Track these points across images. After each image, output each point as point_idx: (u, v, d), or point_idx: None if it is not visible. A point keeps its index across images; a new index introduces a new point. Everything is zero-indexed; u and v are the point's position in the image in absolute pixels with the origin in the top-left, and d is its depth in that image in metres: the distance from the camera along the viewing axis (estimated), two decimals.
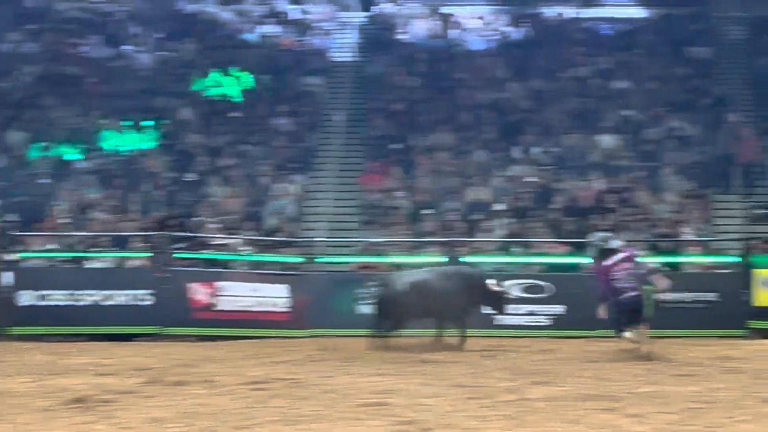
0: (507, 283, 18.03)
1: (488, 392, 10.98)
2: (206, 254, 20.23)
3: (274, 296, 19.25)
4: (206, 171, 24.67)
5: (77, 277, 18.91)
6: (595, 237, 15.43)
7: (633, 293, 14.55)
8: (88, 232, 20.95)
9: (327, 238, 23.37)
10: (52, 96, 27.41)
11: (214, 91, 27.44)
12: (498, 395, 10.74)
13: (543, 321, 19.03)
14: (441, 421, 9.15)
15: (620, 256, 14.81)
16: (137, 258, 19.94)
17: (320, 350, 16.18)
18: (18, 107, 27.14)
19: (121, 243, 20.79)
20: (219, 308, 18.84)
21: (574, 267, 20.16)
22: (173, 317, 18.51)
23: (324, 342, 17.75)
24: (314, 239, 21.40)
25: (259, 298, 19.17)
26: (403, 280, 16.76)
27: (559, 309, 19.04)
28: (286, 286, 19.42)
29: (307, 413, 9.60)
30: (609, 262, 14.66)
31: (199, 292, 18.74)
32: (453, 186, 23.92)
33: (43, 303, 18.47)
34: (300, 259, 20.53)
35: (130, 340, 17.94)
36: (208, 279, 19.00)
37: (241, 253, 20.14)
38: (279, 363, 14.23)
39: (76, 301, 18.47)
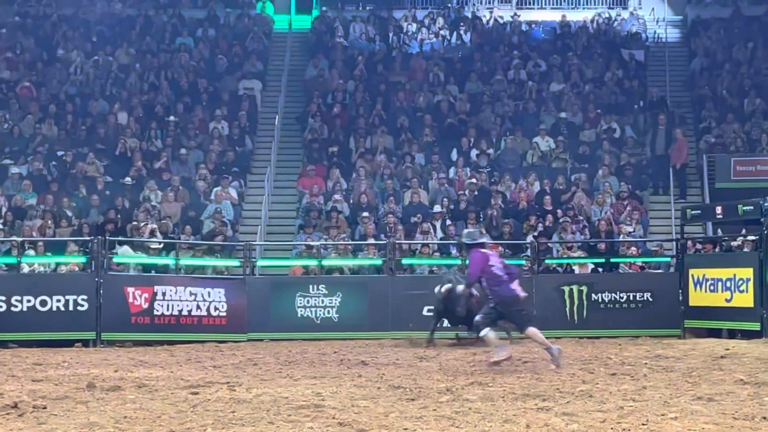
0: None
1: (425, 393, 11.03)
2: (144, 258, 20.10)
3: (213, 300, 19.20)
4: (144, 175, 24.50)
5: (13, 282, 18.68)
6: (463, 233, 15.25)
7: (514, 287, 14.02)
8: (23, 237, 20.71)
9: (265, 241, 23.33)
10: None
11: None
12: (435, 396, 10.79)
13: None
14: (377, 422, 9.18)
15: (494, 253, 14.72)
16: (73, 263, 19.76)
17: (257, 354, 16.16)
18: None
19: (57, 248, 20.59)
20: (157, 312, 18.73)
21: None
22: (110, 322, 18.36)
23: (261, 346, 17.78)
24: (252, 243, 21.33)
25: (197, 303, 19.10)
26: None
27: None
28: (224, 290, 19.37)
29: (243, 416, 9.59)
30: (486, 253, 14.22)
31: (136, 297, 18.62)
32: (391, 188, 23.96)
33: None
34: (237, 263, 20.48)
35: (68, 346, 17.75)
36: (145, 284, 18.89)
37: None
38: (216, 367, 14.19)
39: (11, 306, 18.23)
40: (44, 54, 29.07)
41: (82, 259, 19.69)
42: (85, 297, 18.43)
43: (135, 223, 21.96)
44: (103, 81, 28.16)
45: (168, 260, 20.25)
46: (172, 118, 26.55)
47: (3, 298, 18.22)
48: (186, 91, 27.81)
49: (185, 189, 24.06)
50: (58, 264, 20.03)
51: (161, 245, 20.68)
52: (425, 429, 8.92)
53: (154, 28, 30.21)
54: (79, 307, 18.41)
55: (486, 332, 13.69)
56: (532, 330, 13.78)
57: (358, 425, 9.01)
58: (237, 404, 10.36)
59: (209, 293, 19.25)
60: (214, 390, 11.42)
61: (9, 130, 26.10)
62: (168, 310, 18.91)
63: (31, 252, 20.06)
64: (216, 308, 19.24)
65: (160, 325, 18.75)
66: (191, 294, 19.12)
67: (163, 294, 18.89)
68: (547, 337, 13.93)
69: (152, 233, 21.31)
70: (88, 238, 20.07)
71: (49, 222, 22.01)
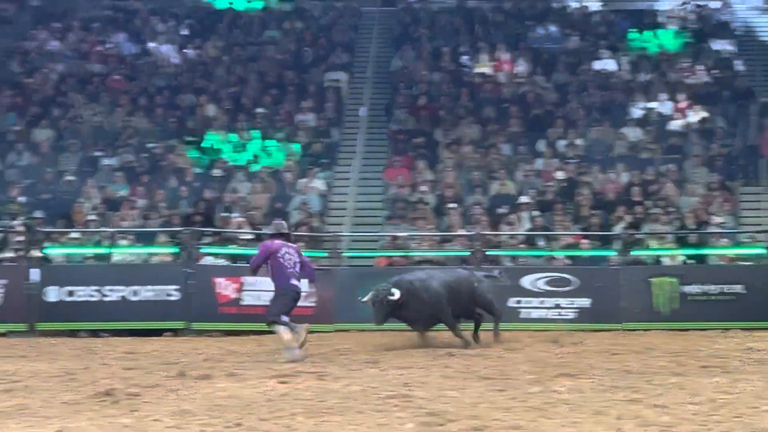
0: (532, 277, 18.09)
1: (513, 385, 10.99)
2: (232, 249, 20.30)
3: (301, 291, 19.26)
4: (233, 167, 24.74)
5: (104, 273, 19.01)
6: (273, 223, 15.68)
7: (296, 282, 14.44)
8: (115, 228, 21.05)
9: (351, 233, 23.39)
10: (77, 94, 27.57)
11: None
12: (523, 387, 10.75)
13: (568, 314, 19.02)
14: (466, 412, 9.17)
15: (290, 245, 14.81)
16: (164, 254, 20.05)
17: (345, 344, 16.22)
18: (44, 105, 27.32)
19: (147, 239, 20.91)
20: (245, 303, 18.90)
21: (599, 260, 20.18)
22: (199, 312, 18.58)
23: (348, 336, 17.84)
24: (339, 234, 21.43)
25: None
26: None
27: (584, 302, 19.03)
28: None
29: (332, 405, 9.64)
30: (278, 243, 14.52)
31: (225, 288, 18.81)
32: (477, 180, 23.88)
33: (71, 299, 18.57)
34: (325, 254, 20.57)
35: (157, 336, 18.00)
36: (233, 274, 19.07)
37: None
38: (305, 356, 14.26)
39: (104, 296, 18.55)
40: (134, 47, 29.52)
41: (173, 250, 19.97)
42: (175, 287, 18.68)
43: (223, 214, 22.19)
44: (192, 74, 28.49)
45: (255, 251, 20.37)
46: (259, 110, 26.75)
47: (95, 288, 18.54)
48: (273, 83, 28.01)
49: (272, 180, 24.23)
50: (149, 255, 20.35)
51: (248, 236, 20.87)
52: (515, 420, 8.88)
53: (242, 21, 30.48)
54: (169, 297, 18.66)
55: (279, 328, 14.10)
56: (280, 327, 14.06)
57: (447, 415, 9.01)
58: (325, 393, 10.42)
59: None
60: (303, 379, 11.50)
61: (100, 122, 26.54)
62: (255, 300, 19.05)
63: (123, 242, 20.39)
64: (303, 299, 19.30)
65: (248, 315, 18.89)
66: None
67: (251, 284, 19.04)
68: (634, 330, 13.74)
69: (240, 225, 21.50)
70: (178, 229, 20.32)
71: (141, 213, 22.35)
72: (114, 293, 18.64)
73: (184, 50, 29.26)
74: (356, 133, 27.06)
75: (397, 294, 15.35)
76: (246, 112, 26.69)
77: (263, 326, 18.40)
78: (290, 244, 14.90)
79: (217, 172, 24.42)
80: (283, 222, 15.81)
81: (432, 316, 15.68)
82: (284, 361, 13.61)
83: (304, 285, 14.68)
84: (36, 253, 18.76)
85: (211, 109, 26.87)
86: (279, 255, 14.30)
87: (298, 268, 14.54)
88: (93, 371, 12.38)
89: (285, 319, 14.24)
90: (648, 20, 29.78)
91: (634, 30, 29.32)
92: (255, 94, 27.56)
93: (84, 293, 18.52)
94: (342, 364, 13.35)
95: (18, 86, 28.13)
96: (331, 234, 21.63)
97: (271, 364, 13.26)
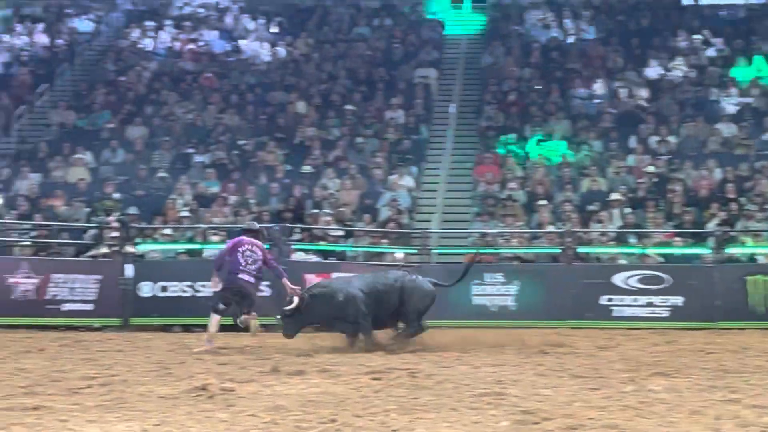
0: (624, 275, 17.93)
1: (608, 383, 10.89)
2: (322, 246, 20.40)
3: None
4: (321, 163, 24.87)
5: (197, 268, 19.20)
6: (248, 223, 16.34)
7: (245, 277, 14.91)
8: (206, 224, 21.28)
9: (440, 229, 23.36)
10: (170, 92, 27.94)
11: None
12: (618, 386, 10.64)
13: (661, 312, 18.80)
14: (560, 411, 9.10)
15: (255, 242, 15.20)
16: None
17: (436, 341, 16.18)
18: (138, 103, 27.74)
19: (238, 235, 21.05)
20: None
21: (692, 258, 19.91)
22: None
23: (439, 333, 17.80)
24: (428, 231, 21.42)
25: None
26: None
27: (677, 300, 18.80)
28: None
29: (425, 402, 9.64)
30: (243, 240, 15.11)
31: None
32: (568, 176, 23.69)
33: (164, 294, 18.80)
34: (414, 251, 20.58)
35: (249, 331, 18.11)
36: (324, 270, 19.14)
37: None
38: (396, 353, 14.27)
39: (196, 292, 18.76)
40: (226, 45, 29.84)
41: (265, 246, 20.06)
42: (266, 283, 18.76)
43: (313, 211, 22.31)
44: (282, 71, 28.71)
45: (346, 247, 20.52)
46: (349, 107, 26.86)
47: (188, 283, 18.75)
48: (363, 80, 28.11)
49: (362, 177, 24.31)
50: None
51: (339, 233, 20.96)
52: (610, 419, 8.79)
53: (332, 18, 30.63)
54: (260, 293, 18.75)
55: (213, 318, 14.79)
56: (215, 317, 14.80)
57: (542, 414, 8.95)
58: (419, 390, 10.42)
59: None
60: (396, 376, 11.50)
61: (192, 120, 26.86)
62: None
63: (214, 239, 20.59)
64: None
65: None
66: None
67: None
68: (728, 328, 13.47)
69: (329, 221, 21.60)
70: (269, 225, 20.43)
71: (232, 209, 22.56)
72: (206, 289, 18.76)
73: (275, 48, 29.49)
74: (445, 130, 27.02)
75: (294, 302, 14.97)
76: (335, 109, 26.81)
77: None
78: (256, 242, 15.35)
79: (306, 168, 24.56)
80: (254, 222, 16.48)
81: (344, 320, 15.14)
82: (199, 349, 14.38)
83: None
84: (130, 249, 19.01)
85: (301, 107, 27.05)
86: (240, 250, 15.00)
87: (256, 266, 15.09)
88: (188, 366, 12.53)
89: (222, 307, 14.99)
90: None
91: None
92: (345, 91, 27.67)
93: (177, 288, 18.74)
94: (433, 361, 13.33)
95: (112, 84, 28.62)
96: (420, 231, 21.60)
97: (363, 360, 13.28)
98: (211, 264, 19.20)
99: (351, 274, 16.43)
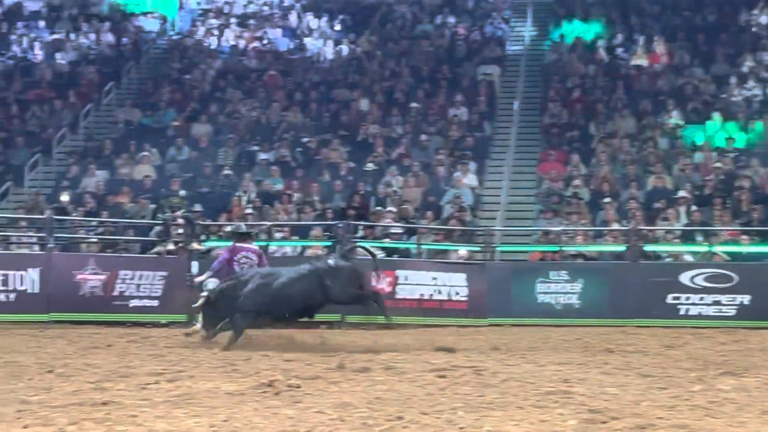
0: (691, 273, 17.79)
1: (676, 382, 10.78)
2: (386, 243, 20.41)
3: (454, 285, 19.31)
4: (385, 161, 24.89)
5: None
6: (235, 225, 16.87)
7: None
8: (270, 221, 21.37)
9: (504, 227, 23.28)
10: (235, 89, 28.12)
11: None
12: (686, 386, 10.53)
13: (729, 311, 18.59)
14: (628, 410, 9.02)
15: (250, 247, 15.56)
16: (318, 247, 20.27)
17: (500, 339, 16.15)
18: (203, 101, 27.95)
19: (302, 232, 21.20)
20: (399, 296, 18.98)
21: (761, 256, 19.66)
22: (355, 305, 18.67)
23: (502, 331, 17.77)
24: (491, 228, 21.38)
25: (438, 287, 19.26)
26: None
27: (744, 299, 18.58)
28: (465, 275, 19.45)
29: (491, 400, 9.59)
30: (238, 245, 15.52)
31: (379, 281, 18.89)
32: (633, 173, 23.49)
33: None
34: (478, 248, 20.55)
35: (314, 327, 18.17)
36: (388, 268, 19.16)
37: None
38: (460, 351, 14.25)
39: None
40: (290, 43, 29.97)
41: (327, 244, 20.17)
42: None
43: (377, 208, 22.34)
44: (346, 69, 28.78)
45: (410, 245, 20.53)
46: (412, 104, 26.86)
47: None
48: (426, 77, 28.09)
49: (425, 174, 24.29)
50: (304, 248, 20.62)
51: (402, 230, 20.98)
52: (680, 419, 8.69)
53: (395, 16, 30.64)
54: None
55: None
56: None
57: (610, 413, 8.87)
58: (484, 388, 10.37)
59: (450, 278, 19.38)
60: (461, 374, 11.46)
61: (257, 117, 27.01)
62: (410, 293, 19.15)
63: (278, 236, 20.69)
64: (457, 293, 19.35)
65: (403, 309, 18.98)
66: (432, 278, 19.29)
67: (405, 278, 19.13)
68: None
69: (392, 219, 21.61)
70: (333, 223, 20.52)
71: (296, 207, 22.68)
72: None
73: (338, 45, 29.57)
74: (509, 127, 26.93)
75: (201, 299, 14.97)
76: (399, 107, 26.82)
77: (418, 320, 18.64)
78: (251, 247, 15.74)
79: (370, 166, 24.60)
80: (242, 225, 16.81)
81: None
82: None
83: None
84: (195, 246, 19.14)
85: (364, 104, 27.10)
86: (235, 259, 15.44)
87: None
88: (254, 362, 12.58)
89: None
90: None
91: None
92: (408, 89, 27.68)
93: None
94: (498, 359, 13.28)
95: (177, 82, 28.86)
96: (483, 228, 21.55)
97: (428, 357, 13.27)
98: (277, 262, 19.47)
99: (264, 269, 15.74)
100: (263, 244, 20.13)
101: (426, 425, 8.35)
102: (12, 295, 17.93)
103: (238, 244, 15.55)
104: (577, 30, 29.49)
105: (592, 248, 20.67)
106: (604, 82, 27.19)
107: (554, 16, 30.34)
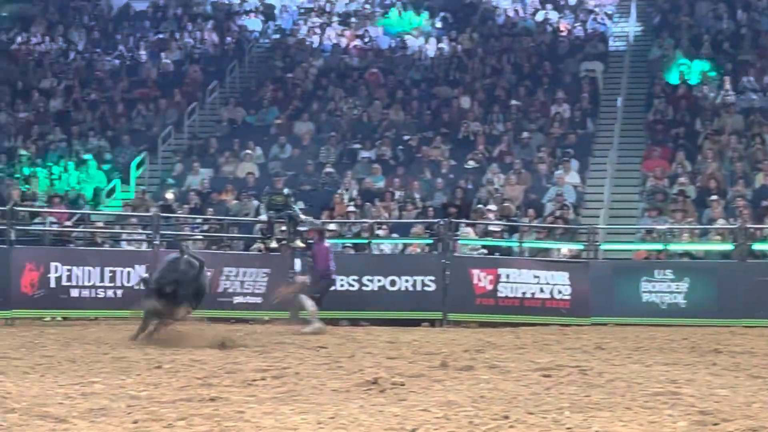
0: None
1: None
2: (488, 241, 20.34)
3: (556, 284, 19.15)
4: (486, 158, 24.79)
5: (363, 263, 19.37)
6: (308, 221, 18.06)
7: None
8: (372, 219, 21.44)
9: (607, 225, 23.02)
10: (336, 87, 28.26)
11: None
12: None
13: None
14: (740, 412, 8.84)
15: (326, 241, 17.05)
16: (420, 245, 20.29)
17: (603, 338, 15.97)
18: (305, 99, 28.13)
19: (403, 230, 21.23)
20: (502, 295, 18.89)
21: None
22: (456, 303, 18.68)
23: (605, 330, 17.58)
24: (595, 226, 21.16)
25: (540, 286, 19.12)
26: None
27: None
28: (568, 273, 19.27)
29: (598, 401, 9.48)
30: (325, 244, 16.92)
31: (481, 279, 18.85)
32: (741, 171, 23.05)
33: (331, 288, 18.91)
34: (581, 247, 20.35)
35: (415, 325, 18.20)
36: (489, 266, 19.08)
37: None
38: (564, 350, 14.13)
39: (362, 286, 18.90)
40: (391, 41, 30.02)
41: (428, 241, 20.18)
42: (432, 278, 18.85)
43: (478, 206, 22.27)
44: (447, 66, 28.74)
45: (512, 243, 20.43)
46: (513, 101, 26.72)
47: (355, 277, 18.90)
48: (527, 74, 27.92)
49: (527, 172, 24.14)
50: (405, 245, 20.66)
51: (504, 228, 20.89)
52: None
53: (497, 12, 30.52)
54: (426, 288, 18.85)
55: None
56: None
57: (720, 414, 8.70)
58: (590, 388, 10.26)
59: (553, 276, 19.23)
60: (566, 373, 11.36)
61: (358, 115, 27.11)
62: (512, 292, 19.04)
63: (380, 233, 20.75)
64: (560, 291, 19.19)
65: (504, 307, 18.90)
66: (535, 277, 19.16)
67: (507, 276, 19.03)
68: None
69: (493, 217, 21.53)
70: (434, 220, 20.50)
71: (397, 204, 22.73)
72: (372, 283, 18.96)
73: (439, 43, 29.54)
74: (612, 124, 26.64)
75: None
76: (500, 104, 26.70)
77: (520, 318, 18.53)
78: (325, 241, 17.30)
79: (470, 163, 24.53)
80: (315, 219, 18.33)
81: None
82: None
83: None
84: (298, 243, 19.25)
85: (465, 102, 27.02)
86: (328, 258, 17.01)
87: None
88: (358, 360, 12.62)
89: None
90: None
91: None
92: (509, 86, 27.54)
93: (344, 282, 18.87)
94: (603, 358, 13.14)
95: (280, 81, 29.08)
96: (586, 226, 21.34)
97: (532, 356, 13.18)
98: (379, 259, 19.58)
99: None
100: (364, 241, 20.31)
101: (533, 425, 8.28)
102: (119, 292, 18.22)
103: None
104: None
105: (698, 247, 20.33)
106: (707, 78, 26.73)
107: (659, 12, 29.90)
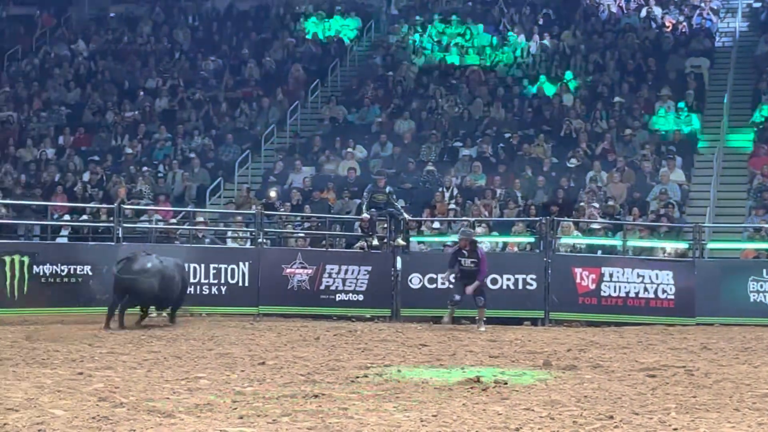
0: None
1: None
2: (591, 238, 20.15)
3: (660, 283, 18.87)
4: (589, 156, 24.55)
5: None
6: (465, 229, 18.00)
7: None
8: (473, 217, 21.37)
9: (714, 223, 22.62)
10: (437, 86, 28.23)
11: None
12: None
13: None
14: None
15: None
16: (521, 243, 20.17)
17: (710, 339, 15.72)
18: (405, 97, 28.17)
19: (504, 228, 21.13)
20: (604, 294, 18.68)
21: None
22: (559, 302, 18.53)
23: (711, 330, 17.29)
24: (700, 225, 20.79)
25: (644, 285, 18.86)
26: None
27: None
28: (672, 272, 18.97)
29: (705, 401, 9.35)
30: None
31: (584, 278, 18.66)
32: None
33: (432, 286, 18.95)
34: (686, 245, 20.03)
35: (516, 324, 18.10)
36: (592, 264, 18.89)
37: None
38: (669, 350, 13.94)
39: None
40: (493, 38, 29.91)
41: (531, 239, 20.05)
42: (533, 276, 18.71)
43: (580, 204, 22.07)
44: (549, 63, 28.53)
45: (615, 241, 20.19)
46: (617, 98, 26.41)
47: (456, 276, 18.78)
48: (631, 70, 27.59)
49: (631, 170, 23.85)
50: (505, 243, 20.56)
51: (606, 226, 20.66)
52: None
53: (600, 9, 30.22)
54: (528, 287, 18.72)
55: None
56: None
57: None
58: (697, 389, 10.12)
59: (657, 275, 18.94)
60: (671, 374, 11.22)
61: (459, 113, 27.05)
62: (615, 291, 18.81)
63: (480, 231, 20.65)
64: (664, 291, 18.90)
65: (607, 306, 18.67)
66: (639, 276, 18.89)
67: (611, 275, 18.81)
68: None
69: (591, 215, 21.31)
70: (536, 218, 20.35)
71: (499, 202, 22.64)
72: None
73: (542, 40, 29.35)
74: (719, 121, 26.17)
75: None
76: (603, 101, 26.42)
77: (624, 318, 18.30)
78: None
79: (573, 161, 24.33)
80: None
81: None
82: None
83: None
84: (400, 242, 19.28)
85: (567, 99, 26.79)
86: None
87: None
88: (459, 358, 12.61)
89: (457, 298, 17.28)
90: None
91: None
92: (612, 82, 27.24)
93: (445, 281, 18.79)
94: (710, 359, 12.93)
95: (381, 79, 29.15)
96: (692, 225, 20.99)
97: (637, 356, 13.03)
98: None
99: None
100: None
101: (638, 425, 8.19)
102: (224, 288, 18.45)
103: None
104: None
105: None
106: None
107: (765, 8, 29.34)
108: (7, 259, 16.77)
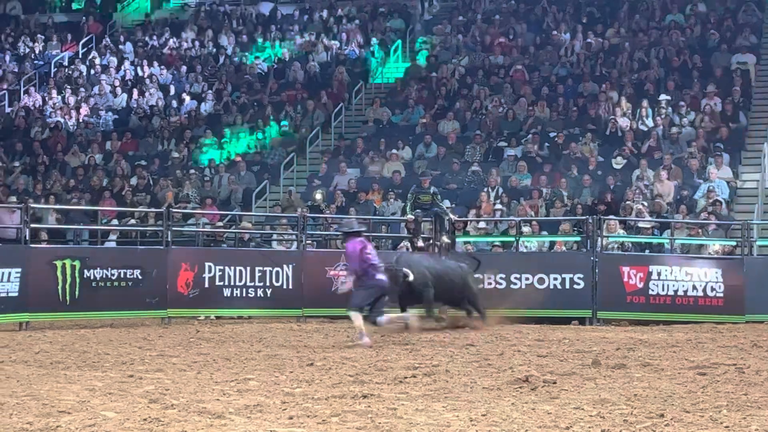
0: None
1: None
2: (638, 238, 20.04)
3: (709, 281, 18.72)
4: (635, 154, 24.41)
5: (511, 260, 19.27)
6: (344, 222, 16.19)
7: (382, 275, 14.60)
8: (519, 216, 21.33)
9: (762, 220, 22.42)
10: (481, 86, 28.19)
11: None
12: None
13: None
14: None
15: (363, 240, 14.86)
16: (568, 242, 20.10)
17: (760, 336, 15.58)
18: (449, 98, 28.15)
19: (551, 228, 21.07)
20: (652, 293, 18.58)
21: None
22: (606, 301, 18.45)
23: (761, 328, 17.15)
24: (749, 222, 20.62)
25: (693, 283, 18.73)
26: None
27: None
28: (721, 270, 18.83)
29: (756, 399, 9.27)
30: (359, 244, 14.49)
31: (631, 276, 18.56)
32: None
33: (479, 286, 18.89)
34: (734, 243, 19.88)
35: (564, 324, 18.04)
36: (640, 263, 18.79)
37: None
38: (719, 348, 13.83)
39: (511, 284, 18.80)
40: (536, 37, 29.83)
41: (577, 239, 19.98)
42: (581, 275, 18.63)
43: (627, 202, 21.96)
44: (593, 61, 28.41)
45: (662, 239, 20.07)
46: (662, 96, 26.25)
47: (503, 275, 18.80)
48: (677, 68, 27.41)
49: (677, 167, 23.70)
50: (552, 243, 20.49)
51: (654, 225, 20.56)
52: None
53: (643, 6, 30.06)
54: (575, 286, 18.65)
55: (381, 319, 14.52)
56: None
57: None
58: (748, 387, 10.04)
59: (705, 273, 18.80)
60: (722, 371, 11.14)
61: (503, 113, 27.00)
62: (663, 289, 18.70)
63: (526, 231, 20.62)
64: (713, 289, 18.77)
65: (656, 305, 18.56)
66: (687, 274, 18.77)
67: (658, 274, 18.70)
68: None
69: (639, 213, 21.21)
70: (582, 217, 20.28)
71: (545, 202, 22.58)
72: (520, 281, 18.84)
73: (586, 38, 29.22)
74: (766, 117, 25.93)
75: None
76: (649, 99, 26.26)
77: (672, 316, 18.19)
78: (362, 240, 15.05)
79: (619, 160, 24.21)
80: (354, 219, 16.83)
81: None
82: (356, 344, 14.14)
83: None
84: (445, 241, 19.24)
85: (613, 97, 26.66)
86: (367, 252, 14.57)
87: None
88: (507, 357, 12.58)
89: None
90: None
91: None
92: (658, 80, 27.08)
93: (491, 281, 18.79)
94: (761, 356, 12.82)
95: (425, 80, 29.15)
96: (740, 222, 20.82)
97: (686, 354, 12.94)
98: (526, 257, 19.47)
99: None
100: (512, 239, 20.23)
101: (689, 423, 8.14)
102: (269, 291, 18.52)
103: (360, 239, 14.81)
104: None
105: None
106: None
107: None
108: (59, 263, 16.90)
